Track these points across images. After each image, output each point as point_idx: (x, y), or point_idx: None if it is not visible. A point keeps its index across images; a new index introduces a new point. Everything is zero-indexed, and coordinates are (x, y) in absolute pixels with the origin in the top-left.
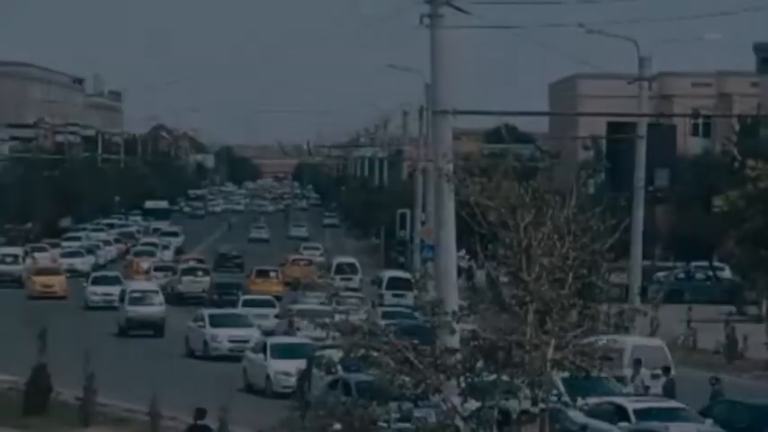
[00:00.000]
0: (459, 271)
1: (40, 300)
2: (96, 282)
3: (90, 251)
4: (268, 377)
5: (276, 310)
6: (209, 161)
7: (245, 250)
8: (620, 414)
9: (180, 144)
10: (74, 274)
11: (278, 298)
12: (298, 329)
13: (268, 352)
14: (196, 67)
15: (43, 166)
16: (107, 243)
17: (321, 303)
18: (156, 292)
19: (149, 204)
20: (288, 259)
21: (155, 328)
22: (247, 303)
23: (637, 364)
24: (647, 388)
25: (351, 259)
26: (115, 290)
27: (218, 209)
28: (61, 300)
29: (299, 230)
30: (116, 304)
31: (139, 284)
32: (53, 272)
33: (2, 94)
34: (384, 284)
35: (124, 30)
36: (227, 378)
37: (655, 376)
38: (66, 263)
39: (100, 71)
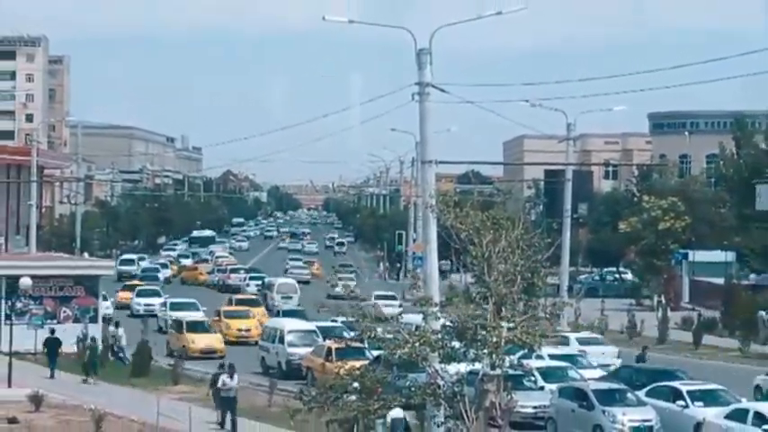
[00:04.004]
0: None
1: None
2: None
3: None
4: None
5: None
6: (263, 197)
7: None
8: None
9: (243, 184)
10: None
11: None
12: None
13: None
14: (254, 127)
15: (146, 200)
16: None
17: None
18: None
19: (195, 233)
20: None
21: None
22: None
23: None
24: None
25: (342, 239)
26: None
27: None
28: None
29: (332, 241)
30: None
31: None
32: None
33: (115, 149)
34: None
35: (204, 100)
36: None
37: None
38: (142, 303)
39: (186, 132)
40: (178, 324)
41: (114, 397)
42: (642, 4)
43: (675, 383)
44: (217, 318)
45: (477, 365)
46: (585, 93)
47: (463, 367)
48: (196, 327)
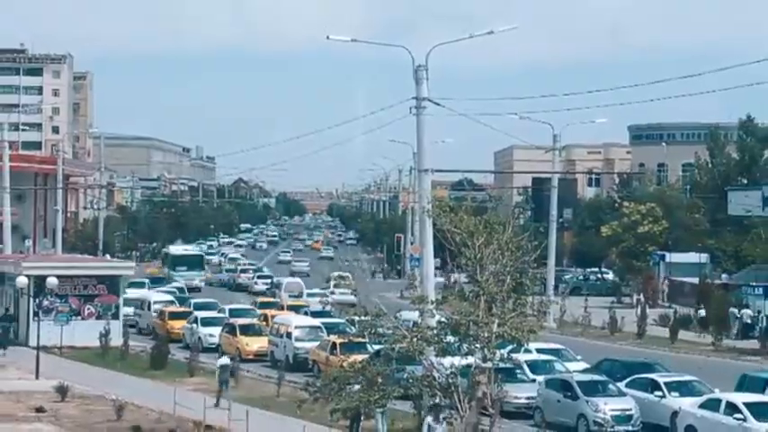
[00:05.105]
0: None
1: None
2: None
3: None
4: None
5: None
6: (272, 203)
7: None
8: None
9: (253, 191)
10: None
11: None
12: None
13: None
14: (263, 137)
15: (163, 206)
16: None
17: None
18: None
19: (172, 250)
20: None
21: None
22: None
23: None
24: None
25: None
26: None
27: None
28: None
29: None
30: None
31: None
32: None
33: (135, 158)
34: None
35: (218, 113)
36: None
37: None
38: (207, 333)
39: (200, 143)
40: (231, 327)
41: (134, 388)
42: (624, 24)
43: (653, 375)
44: (264, 321)
45: (470, 359)
46: (570, 106)
47: (457, 360)
48: (248, 329)
